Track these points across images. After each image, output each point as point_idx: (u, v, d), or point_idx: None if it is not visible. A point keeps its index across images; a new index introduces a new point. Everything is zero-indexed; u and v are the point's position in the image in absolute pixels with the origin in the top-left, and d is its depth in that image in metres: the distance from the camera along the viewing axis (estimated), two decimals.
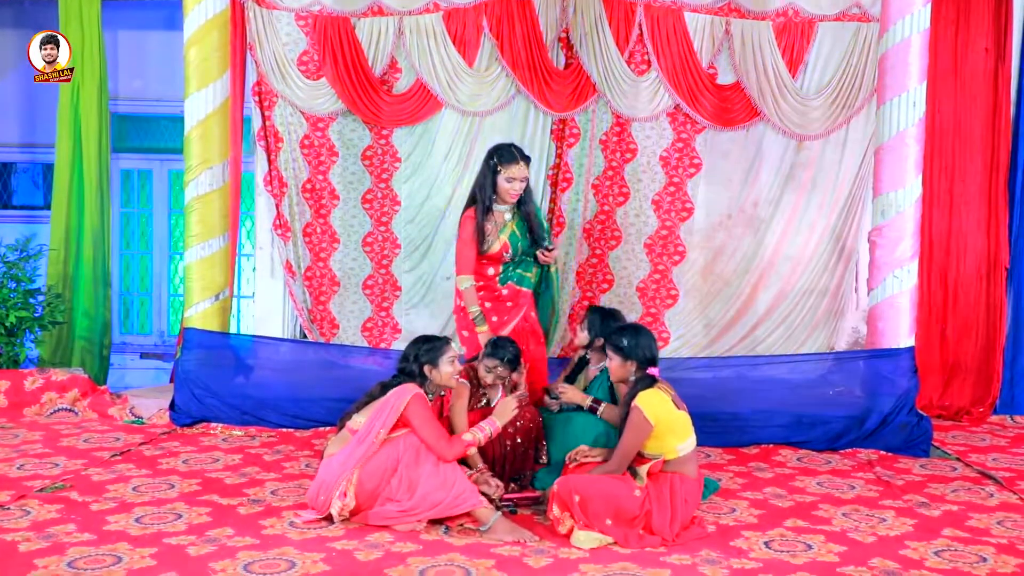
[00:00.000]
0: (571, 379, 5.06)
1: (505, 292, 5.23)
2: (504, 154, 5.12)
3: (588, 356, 5.06)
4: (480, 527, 3.92)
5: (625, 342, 4.10)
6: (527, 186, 5.20)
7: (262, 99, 6.97)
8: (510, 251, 5.19)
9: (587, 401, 4.72)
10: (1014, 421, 6.51)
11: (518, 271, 5.24)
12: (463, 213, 5.21)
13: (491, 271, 5.22)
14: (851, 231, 6.94)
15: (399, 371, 4.23)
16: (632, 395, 3.96)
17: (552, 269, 5.35)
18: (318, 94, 6.89)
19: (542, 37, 6.79)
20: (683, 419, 3.99)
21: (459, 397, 4.52)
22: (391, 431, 4.03)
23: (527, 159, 5.15)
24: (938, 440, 5.81)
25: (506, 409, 4.19)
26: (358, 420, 4.12)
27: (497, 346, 4.67)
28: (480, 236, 5.10)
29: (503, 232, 5.18)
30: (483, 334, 5.00)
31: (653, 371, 4.03)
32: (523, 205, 5.23)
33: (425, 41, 6.81)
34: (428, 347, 4.22)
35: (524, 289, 5.26)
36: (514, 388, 4.95)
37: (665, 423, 3.90)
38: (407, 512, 3.95)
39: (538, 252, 5.24)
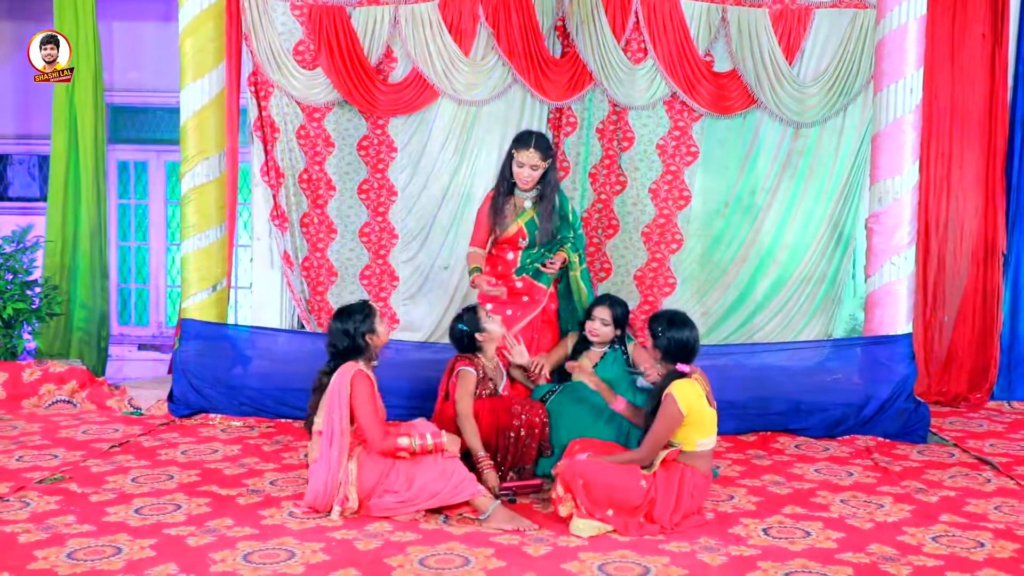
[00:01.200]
0: (573, 357, 5.10)
1: (520, 285, 5.24)
2: (519, 138, 5.22)
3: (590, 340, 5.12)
4: (479, 516, 3.93)
5: (658, 329, 4.08)
6: (548, 179, 5.20)
7: (258, 89, 6.95)
8: (527, 238, 5.22)
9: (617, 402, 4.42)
10: (1011, 407, 6.54)
11: (535, 265, 5.23)
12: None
13: (510, 255, 5.26)
14: (848, 218, 6.92)
15: (338, 352, 4.13)
16: (665, 384, 3.97)
17: (573, 273, 5.28)
18: (314, 84, 6.86)
19: (538, 26, 6.76)
20: (711, 416, 4.00)
21: (465, 384, 4.49)
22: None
23: (543, 148, 5.13)
24: (936, 426, 5.83)
25: (453, 441, 4.12)
26: (319, 421, 4.10)
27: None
28: (495, 214, 5.18)
29: (520, 216, 5.22)
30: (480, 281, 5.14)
31: (683, 368, 4.00)
32: (543, 198, 5.21)
33: (421, 30, 6.78)
34: (362, 317, 4.13)
35: (540, 284, 5.26)
36: (527, 371, 4.97)
37: (696, 414, 3.91)
38: (406, 502, 3.97)
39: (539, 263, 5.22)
